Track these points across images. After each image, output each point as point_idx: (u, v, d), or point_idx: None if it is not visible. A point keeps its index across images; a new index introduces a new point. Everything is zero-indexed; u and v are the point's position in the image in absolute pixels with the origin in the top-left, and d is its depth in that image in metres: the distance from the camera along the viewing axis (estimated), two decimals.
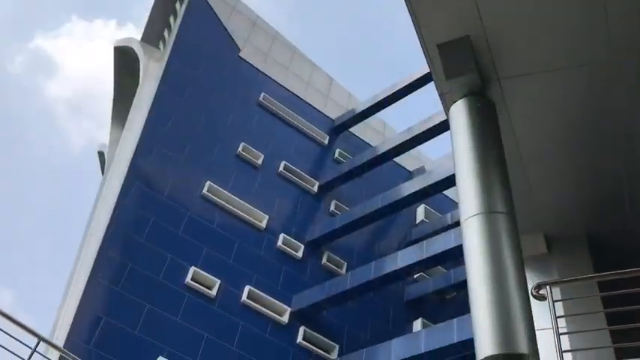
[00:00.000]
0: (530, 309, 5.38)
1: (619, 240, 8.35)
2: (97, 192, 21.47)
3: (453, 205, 24.43)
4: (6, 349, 7.68)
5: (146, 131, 19.67)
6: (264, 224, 20.30)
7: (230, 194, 20.19)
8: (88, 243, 17.11)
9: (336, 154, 24.93)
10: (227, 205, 19.88)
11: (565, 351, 5.15)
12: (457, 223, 19.96)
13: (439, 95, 7.16)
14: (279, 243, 20.30)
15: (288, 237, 20.66)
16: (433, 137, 22.23)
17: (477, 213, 5.88)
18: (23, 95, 64.62)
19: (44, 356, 9.35)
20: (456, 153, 6.52)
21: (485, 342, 5.16)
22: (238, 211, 19.99)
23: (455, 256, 17.93)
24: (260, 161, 21.95)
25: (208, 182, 19.87)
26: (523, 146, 7.49)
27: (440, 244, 18.25)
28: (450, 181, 19.62)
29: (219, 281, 17.90)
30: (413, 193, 20.72)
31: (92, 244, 16.86)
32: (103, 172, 27.46)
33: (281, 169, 22.45)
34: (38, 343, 8.08)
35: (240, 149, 21.61)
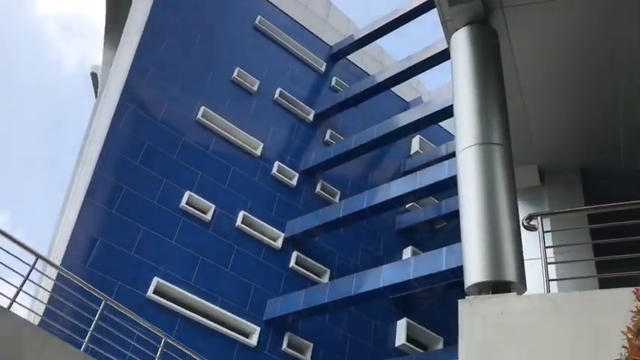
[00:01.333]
0: (520, 239, 5.50)
1: (611, 174, 8.44)
2: (91, 114, 21.28)
3: (448, 136, 24.45)
4: (5, 265, 7.85)
5: (139, 53, 19.26)
6: (259, 152, 20.32)
7: (225, 120, 20.06)
8: (82, 165, 17.13)
9: (333, 82, 24.64)
10: (222, 131, 19.79)
11: (552, 280, 5.30)
12: (451, 155, 20.06)
13: (441, 22, 7.00)
14: (274, 171, 20.40)
15: (282, 165, 20.75)
16: (432, 67, 21.91)
17: (473, 144, 5.89)
18: (12, 12, 62.74)
19: (42, 273, 9.57)
20: (455, 82, 6.46)
21: (474, 269, 5.31)
22: (233, 138, 19.94)
23: (447, 187, 18.11)
24: (255, 87, 21.68)
25: (203, 107, 19.70)
26: (523, 78, 7.42)
27: (433, 174, 18.40)
28: (446, 112, 19.53)
29: (213, 206, 18.10)
30: (409, 123, 20.66)
31: (87, 166, 16.88)
32: (96, 94, 27.09)
33: (277, 96, 22.22)
34: (36, 261, 8.24)
35: (235, 74, 21.29)
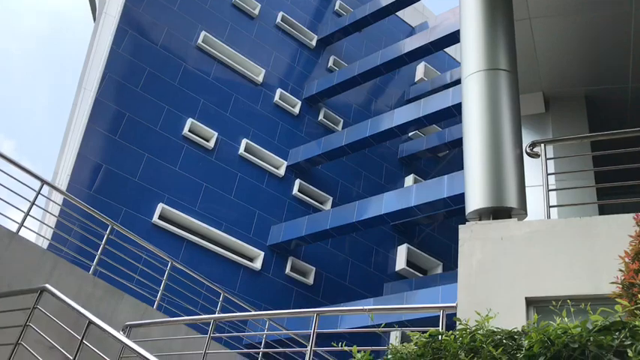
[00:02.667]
0: (523, 166, 5.52)
1: (617, 103, 8.35)
2: (90, 39, 20.86)
3: (454, 63, 24.04)
4: (12, 191, 7.94)
5: None
6: (260, 78, 20.06)
7: (226, 46, 19.69)
8: (83, 92, 16.97)
9: (337, 6, 23.95)
10: (223, 57, 19.47)
11: (552, 206, 5.35)
12: (456, 82, 19.80)
13: None
14: (276, 98, 20.22)
15: (285, 92, 20.54)
16: None
17: (479, 70, 5.80)
18: None
19: (48, 198, 9.70)
20: (462, 6, 6.29)
21: (476, 195, 5.36)
22: (234, 64, 19.64)
23: (451, 114, 17.99)
24: (257, 11, 21.12)
25: (203, 32, 19.29)
26: (532, 2, 7.20)
27: (437, 102, 18.24)
28: (452, 37, 19.12)
29: (216, 133, 18.08)
30: (413, 49, 20.25)
31: (88, 93, 16.73)
32: (94, 18, 26.43)
33: (278, 20, 21.69)
34: (42, 186, 8.33)
35: None
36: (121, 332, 7.25)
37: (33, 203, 8.08)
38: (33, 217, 8.40)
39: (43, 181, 8.43)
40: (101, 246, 8.82)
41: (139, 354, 6.03)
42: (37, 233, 9.81)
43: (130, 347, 6.22)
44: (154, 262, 10.07)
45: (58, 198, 11.61)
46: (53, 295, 6.43)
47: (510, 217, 5.23)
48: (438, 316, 5.66)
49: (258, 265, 17.10)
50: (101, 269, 8.94)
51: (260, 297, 16.29)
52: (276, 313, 8.81)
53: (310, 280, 17.88)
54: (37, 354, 5.96)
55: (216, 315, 8.61)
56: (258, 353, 9.76)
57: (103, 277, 8.90)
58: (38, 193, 8.17)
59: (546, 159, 5.52)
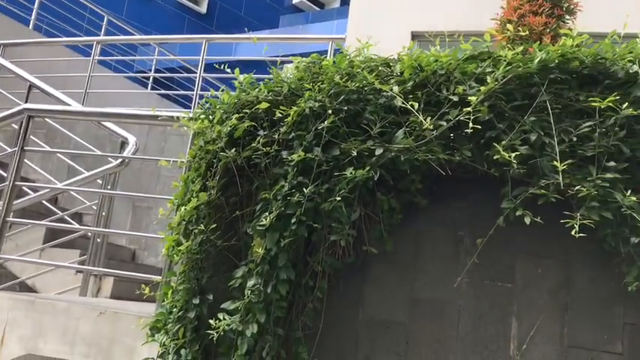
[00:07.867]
0: None
1: None
2: None
3: None
4: None
5: None
6: None
7: None
8: None
9: None
10: None
11: None
12: None
13: None
14: None
15: None
16: None
17: None
18: None
19: None
20: None
21: None
22: None
23: None
24: None
25: None
26: None
27: None
28: None
29: None
30: None
31: None
32: None
33: None
34: None
35: None
36: None
37: None
38: None
39: None
40: None
41: (18, 75, 5.79)
42: None
43: (6, 67, 5.93)
44: None
45: None
46: None
47: None
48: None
49: None
50: (46, 27, 7.97)
51: (149, 24, 15.48)
52: (164, 38, 8.46)
53: (203, 9, 17.10)
54: None
55: (100, 37, 8.17)
56: (148, 79, 9.65)
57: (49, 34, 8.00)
58: None
59: None
